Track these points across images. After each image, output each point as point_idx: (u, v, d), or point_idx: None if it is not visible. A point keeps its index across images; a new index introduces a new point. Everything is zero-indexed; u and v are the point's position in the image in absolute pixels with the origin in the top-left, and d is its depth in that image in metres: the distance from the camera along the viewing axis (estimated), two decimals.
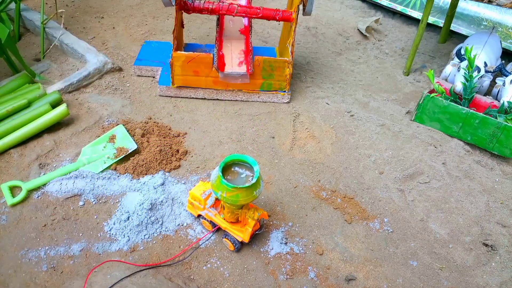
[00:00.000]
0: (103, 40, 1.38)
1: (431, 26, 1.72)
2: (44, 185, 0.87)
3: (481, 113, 1.07)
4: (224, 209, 0.75)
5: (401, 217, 0.90)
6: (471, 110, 1.08)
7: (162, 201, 0.86)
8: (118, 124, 1.02)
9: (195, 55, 1.10)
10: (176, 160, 0.96)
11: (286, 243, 0.81)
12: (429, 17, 1.45)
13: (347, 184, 0.96)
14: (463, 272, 0.80)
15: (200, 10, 1.12)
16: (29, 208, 0.82)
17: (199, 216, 0.81)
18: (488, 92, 1.27)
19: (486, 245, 0.86)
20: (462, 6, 1.59)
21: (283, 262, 0.77)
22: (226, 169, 0.70)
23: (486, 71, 1.19)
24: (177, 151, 0.99)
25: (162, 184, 0.90)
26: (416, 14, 1.71)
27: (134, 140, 0.98)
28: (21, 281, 0.70)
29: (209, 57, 1.11)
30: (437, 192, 0.97)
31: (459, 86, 1.14)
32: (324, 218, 0.88)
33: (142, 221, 0.81)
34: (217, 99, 1.18)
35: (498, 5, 1.57)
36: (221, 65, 1.14)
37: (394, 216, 0.90)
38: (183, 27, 1.25)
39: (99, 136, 0.99)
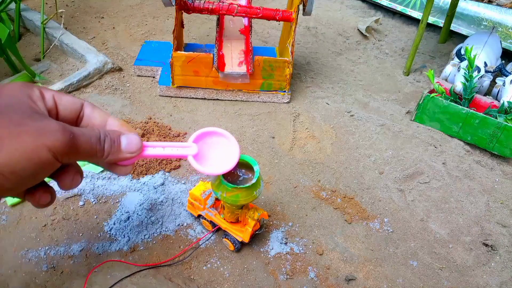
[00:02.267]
0: (103, 40, 1.38)
1: (431, 26, 1.72)
2: None
3: (481, 113, 1.07)
4: (224, 209, 0.75)
5: (401, 217, 0.90)
6: (471, 110, 1.08)
7: (162, 201, 0.86)
8: None
9: (195, 55, 1.10)
10: (176, 160, 0.96)
11: (286, 243, 0.81)
12: (429, 17, 1.45)
13: (347, 184, 0.96)
14: (463, 272, 0.80)
15: (200, 10, 1.12)
16: (29, 208, 0.82)
17: (199, 216, 0.81)
18: (488, 92, 1.27)
19: (486, 245, 0.86)
20: (462, 6, 1.59)
21: (283, 262, 0.77)
22: None
23: (486, 71, 1.19)
24: None
25: (162, 184, 0.90)
26: (416, 14, 1.71)
27: None
28: (21, 281, 0.69)
29: (209, 57, 1.10)
30: (437, 192, 0.97)
31: (459, 86, 1.14)
32: (324, 218, 0.88)
33: (142, 221, 0.81)
34: (217, 99, 1.18)
35: (498, 5, 1.57)
36: (221, 65, 1.14)
37: (394, 216, 0.90)
38: (183, 27, 1.25)
39: None
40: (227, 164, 0.59)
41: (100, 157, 0.43)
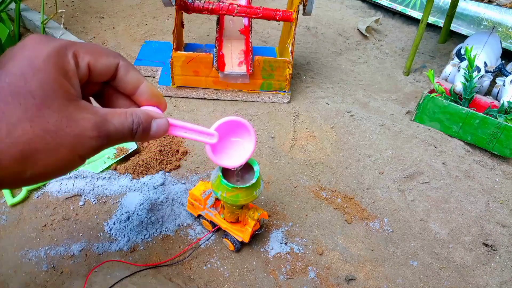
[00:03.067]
0: (103, 40, 1.38)
1: (431, 26, 1.72)
2: (44, 185, 0.87)
3: (481, 113, 1.07)
4: (224, 209, 0.75)
5: (401, 217, 0.90)
6: (471, 110, 1.08)
7: (162, 201, 0.86)
8: None
9: (195, 55, 1.10)
10: (176, 160, 0.96)
11: (286, 243, 0.81)
12: (429, 17, 1.45)
13: (347, 184, 0.96)
14: (463, 272, 0.80)
15: (200, 10, 1.12)
16: (29, 208, 0.82)
17: (199, 216, 0.81)
18: (488, 92, 1.27)
19: (486, 245, 0.86)
20: (462, 6, 1.60)
21: (283, 262, 0.77)
22: (226, 169, 0.70)
23: (486, 71, 1.19)
24: (177, 151, 0.99)
25: (162, 184, 0.90)
26: (416, 14, 1.71)
27: None
28: (21, 281, 0.69)
29: (209, 57, 1.10)
30: (437, 192, 0.97)
31: (459, 86, 1.14)
32: (324, 218, 0.88)
33: (142, 221, 0.81)
34: (217, 99, 1.18)
35: (498, 5, 1.57)
36: (221, 65, 1.14)
37: (394, 216, 0.90)
38: (183, 27, 1.25)
39: None
40: (239, 159, 0.59)
41: (127, 141, 0.44)
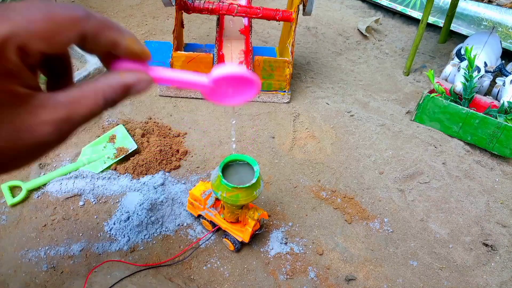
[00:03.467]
0: None
1: (431, 26, 1.72)
2: (44, 185, 0.87)
3: (481, 113, 1.07)
4: (224, 209, 0.75)
5: (401, 217, 0.90)
6: (471, 110, 1.08)
7: (162, 201, 0.86)
8: (118, 124, 1.02)
9: (195, 55, 1.10)
10: (176, 160, 0.96)
11: (286, 243, 0.81)
12: (429, 17, 1.45)
13: (347, 184, 0.96)
14: (463, 272, 0.80)
15: (200, 10, 1.12)
16: (29, 208, 0.82)
17: (199, 216, 0.81)
18: (488, 92, 1.27)
19: (486, 245, 0.86)
20: (462, 6, 1.60)
21: (283, 262, 0.77)
22: (226, 169, 0.70)
23: (486, 71, 1.19)
24: (177, 151, 0.99)
25: (162, 184, 0.90)
26: (416, 14, 1.71)
27: (134, 140, 0.98)
28: (21, 281, 0.69)
29: (209, 57, 1.10)
30: (437, 192, 0.97)
31: (459, 86, 1.14)
32: (324, 218, 0.87)
33: (142, 221, 0.81)
34: None
35: (498, 5, 1.57)
36: None
37: (394, 216, 0.90)
38: (183, 27, 1.25)
39: (99, 136, 0.99)
40: (240, 99, 0.56)
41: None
